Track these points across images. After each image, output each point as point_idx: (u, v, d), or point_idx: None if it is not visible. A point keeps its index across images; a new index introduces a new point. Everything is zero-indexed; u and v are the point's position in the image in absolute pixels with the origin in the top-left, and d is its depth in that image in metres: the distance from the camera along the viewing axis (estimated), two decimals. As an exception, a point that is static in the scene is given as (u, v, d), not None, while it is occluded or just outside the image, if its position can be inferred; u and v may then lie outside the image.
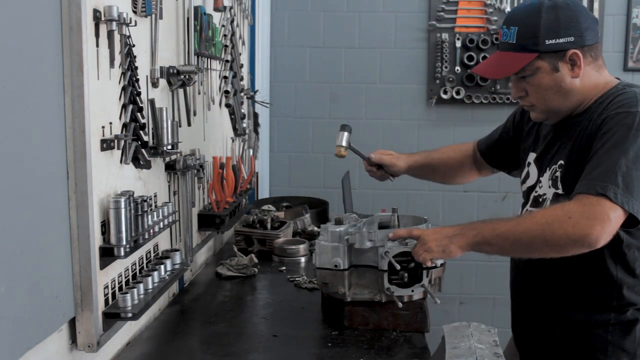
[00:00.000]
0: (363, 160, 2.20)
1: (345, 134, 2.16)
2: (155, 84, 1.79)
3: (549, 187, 1.71)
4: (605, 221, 1.44)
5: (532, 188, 1.79)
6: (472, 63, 3.86)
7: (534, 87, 1.66)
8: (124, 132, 1.55)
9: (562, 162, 1.68)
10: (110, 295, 1.49)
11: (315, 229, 2.78)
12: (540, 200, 1.74)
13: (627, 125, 1.51)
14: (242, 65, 2.88)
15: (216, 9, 2.36)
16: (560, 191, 1.66)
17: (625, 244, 1.60)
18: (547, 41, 1.60)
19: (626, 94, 1.59)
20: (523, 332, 1.86)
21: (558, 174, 1.68)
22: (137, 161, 1.62)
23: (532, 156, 1.84)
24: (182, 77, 1.97)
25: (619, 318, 1.65)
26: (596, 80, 1.67)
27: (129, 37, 1.55)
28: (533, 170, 1.81)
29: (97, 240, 1.40)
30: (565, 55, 1.62)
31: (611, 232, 1.45)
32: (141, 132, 1.60)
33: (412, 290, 1.73)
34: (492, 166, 2.12)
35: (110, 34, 1.45)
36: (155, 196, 1.82)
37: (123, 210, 1.43)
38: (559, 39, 1.60)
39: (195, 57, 2.13)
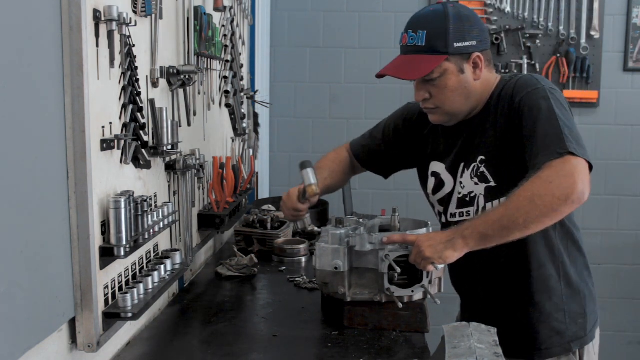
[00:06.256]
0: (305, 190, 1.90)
1: (310, 170, 1.89)
2: (155, 84, 1.79)
3: (476, 184, 1.78)
4: (581, 174, 1.52)
5: (451, 194, 1.86)
6: (472, 63, 3.86)
7: (440, 89, 1.74)
8: (124, 132, 1.55)
9: (482, 157, 1.76)
10: (110, 295, 1.49)
11: (315, 229, 2.78)
12: (468, 199, 1.80)
13: (543, 97, 1.64)
14: (242, 65, 2.88)
15: (216, 9, 2.36)
16: (492, 184, 1.74)
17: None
18: (455, 44, 1.69)
19: (523, 78, 1.72)
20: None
21: (483, 169, 1.75)
22: (137, 161, 1.62)
23: (438, 165, 1.89)
24: (182, 77, 1.97)
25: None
26: (489, 81, 1.78)
27: (129, 37, 1.55)
28: (447, 177, 1.87)
29: (97, 240, 1.40)
30: (470, 58, 1.73)
31: (589, 183, 1.53)
32: (141, 132, 1.60)
33: (412, 291, 1.73)
34: (370, 171, 2.16)
35: (110, 34, 1.45)
36: (155, 196, 1.82)
37: (123, 210, 1.43)
38: (465, 42, 1.71)
39: (195, 57, 2.13)
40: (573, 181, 1.51)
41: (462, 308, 2.01)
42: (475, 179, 1.77)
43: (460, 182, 1.82)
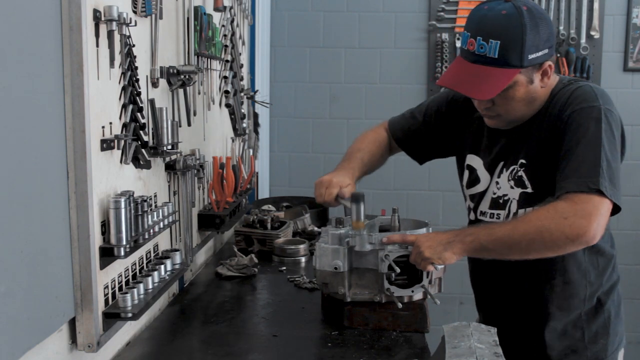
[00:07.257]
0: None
1: (362, 205, 1.79)
2: (155, 84, 1.79)
3: (512, 187, 1.72)
4: (599, 217, 1.48)
5: (484, 192, 1.81)
6: (472, 63, 3.87)
7: (506, 100, 1.63)
8: (124, 132, 1.55)
9: (522, 161, 1.70)
10: (110, 295, 1.49)
11: (315, 229, 2.78)
12: (502, 201, 1.75)
13: (595, 119, 1.55)
14: (242, 65, 2.88)
15: (216, 9, 2.36)
16: (529, 190, 1.69)
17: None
18: (529, 56, 1.57)
19: (582, 89, 1.63)
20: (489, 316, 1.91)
21: (522, 173, 1.70)
22: (137, 161, 1.62)
23: (476, 160, 1.83)
24: (182, 77, 1.97)
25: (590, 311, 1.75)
26: (550, 85, 1.69)
27: (129, 37, 1.55)
28: (484, 175, 1.81)
29: (97, 240, 1.40)
30: (541, 68, 1.62)
31: (604, 226, 1.50)
32: (141, 132, 1.60)
33: (412, 291, 1.73)
34: (406, 152, 2.07)
35: (110, 34, 1.45)
36: (155, 196, 1.82)
37: (123, 210, 1.43)
38: (539, 53, 1.59)
39: (195, 57, 2.13)
40: (587, 224, 1.46)
41: (478, 308, 1.99)
42: (512, 182, 1.72)
43: (497, 182, 1.76)
